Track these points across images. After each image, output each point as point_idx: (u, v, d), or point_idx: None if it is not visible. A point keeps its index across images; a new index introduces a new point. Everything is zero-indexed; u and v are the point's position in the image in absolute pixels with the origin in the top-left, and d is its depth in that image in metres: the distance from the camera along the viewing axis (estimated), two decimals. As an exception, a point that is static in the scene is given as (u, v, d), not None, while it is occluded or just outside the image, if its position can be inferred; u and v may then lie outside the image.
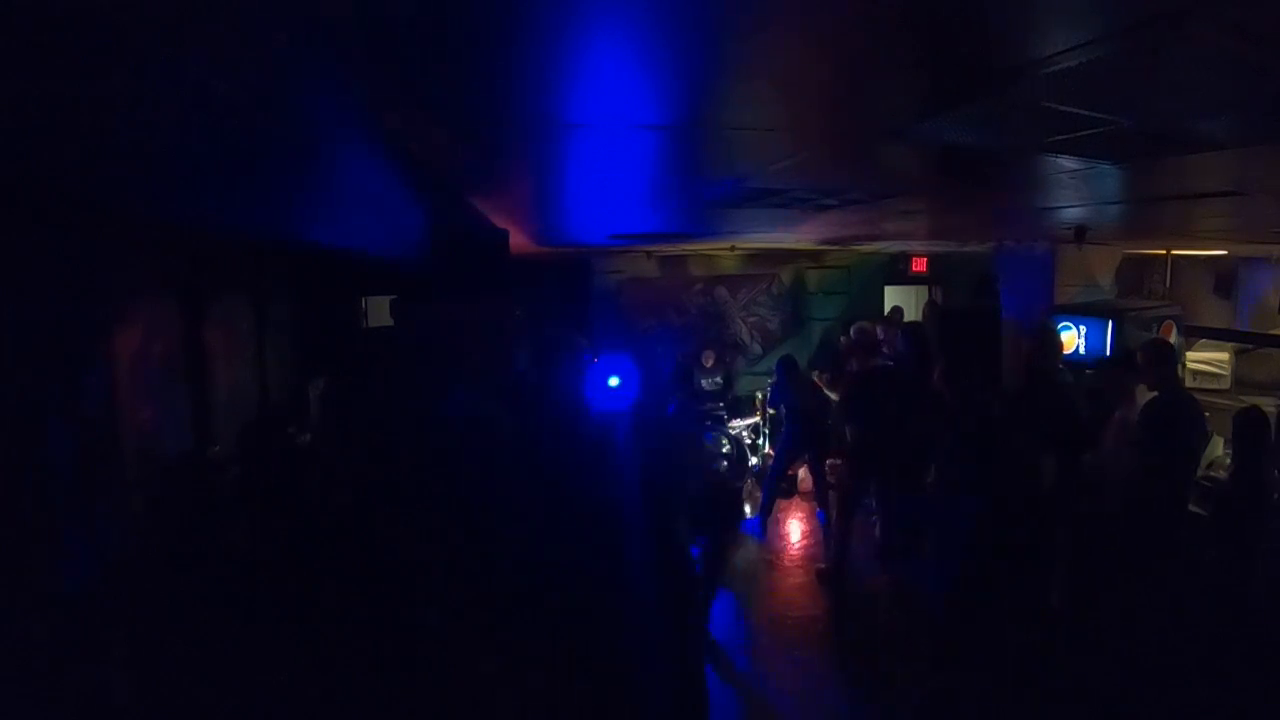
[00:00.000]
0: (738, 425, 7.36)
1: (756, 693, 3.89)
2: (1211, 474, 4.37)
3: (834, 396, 5.54)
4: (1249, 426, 3.23)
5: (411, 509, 2.57)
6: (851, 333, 6.26)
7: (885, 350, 6.05)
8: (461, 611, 2.28)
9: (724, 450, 7.11)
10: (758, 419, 7.61)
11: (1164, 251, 6.67)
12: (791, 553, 5.72)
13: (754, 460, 7.34)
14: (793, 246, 8.09)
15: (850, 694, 3.87)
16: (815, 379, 6.08)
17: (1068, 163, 2.18)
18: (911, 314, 8.86)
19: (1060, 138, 1.82)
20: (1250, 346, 6.18)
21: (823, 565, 5.22)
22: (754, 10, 1.03)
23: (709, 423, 7.21)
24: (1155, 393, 3.56)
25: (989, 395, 5.34)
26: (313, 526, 2.57)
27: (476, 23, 1.08)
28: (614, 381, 4.30)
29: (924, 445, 4.92)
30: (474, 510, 2.51)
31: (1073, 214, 3.66)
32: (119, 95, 1.15)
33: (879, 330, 6.41)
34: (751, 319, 9.64)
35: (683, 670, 2.28)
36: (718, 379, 7.79)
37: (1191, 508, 3.72)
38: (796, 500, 6.85)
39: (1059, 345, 4.42)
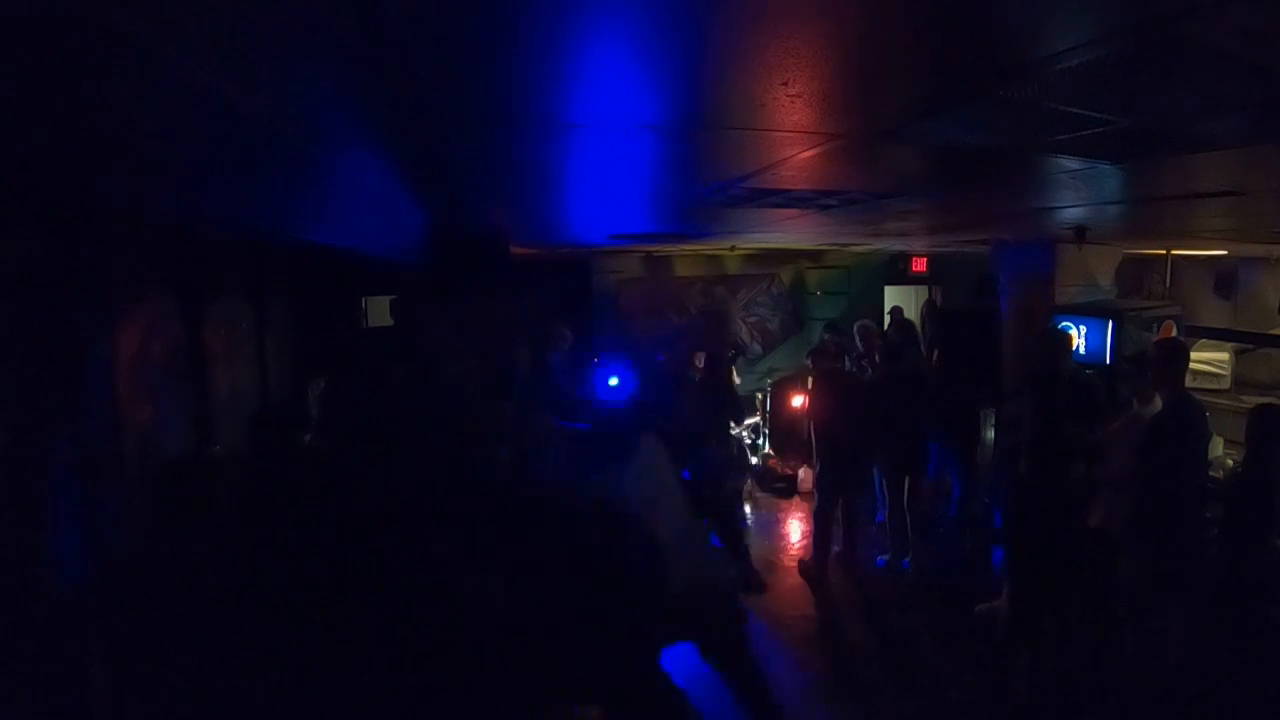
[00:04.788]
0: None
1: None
2: (1212, 474, 4.36)
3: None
4: (1266, 424, 3.17)
5: (410, 506, 2.57)
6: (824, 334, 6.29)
7: (863, 349, 6.09)
8: (462, 608, 2.28)
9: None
10: (758, 419, 7.61)
11: (1164, 251, 6.67)
12: (791, 552, 5.72)
13: (754, 460, 7.34)
14: (793, 246, 8.09)
15: (849, 694, 3.87)
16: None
17: (1068, 163, 2.18)
18: (911, 314, 8.87)
19: (1060, 138, 1.82)
20: (1250, 346, 6.19)
21: (807, 558, 5.29)
22: (755, 9, 1.03)
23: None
24: (1160, 395, 3.51)
25: (985, 396, 5.37)
26: (312, 526, 2.57)
27: (476, 22, 1.08)
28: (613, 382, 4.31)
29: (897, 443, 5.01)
30: (471, 507, 2.51)
31: (1073, 214, 3.65)
32: (120, 97, 1.15)
33: (860, 330, 6.42)
34: (751, 319, 9.64)
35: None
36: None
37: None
38: (797, 500, 6.85)
39: (1068, 344, 4.40)
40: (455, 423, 3.60)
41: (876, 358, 5.69)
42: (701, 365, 7.60)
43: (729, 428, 6.12)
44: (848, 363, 5.72)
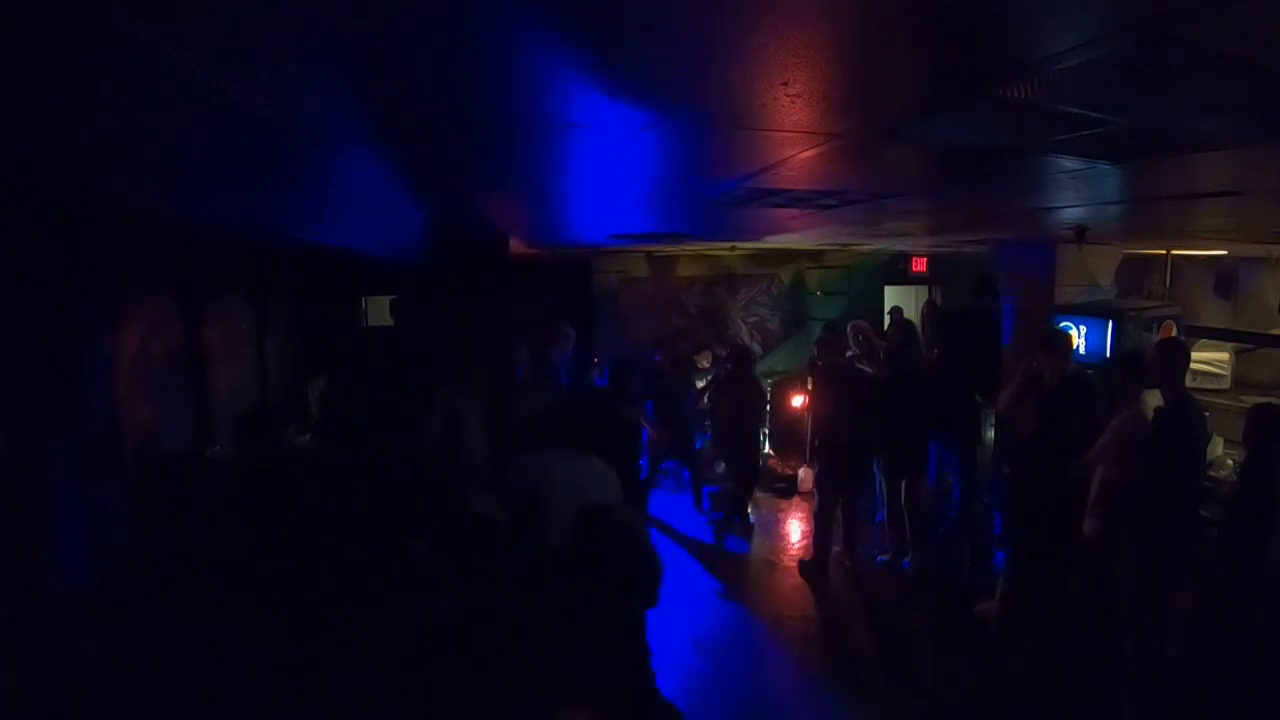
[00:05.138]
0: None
1: (751, 691, 3.89)
2: (1211, 474, 4.36)
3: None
4: (1265, 423, 3.15)
5: (407, 506, 2.56)
6: (822, 331, 6.31)
7: (858, 349, 6.09)
8: (457, 604, 2.28)
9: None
10: (757, 419, 7.60)
11: (1164, 251, 6.67)
12: (791, 552, 5.72)
13: (754, 460, 7.33)
14: (793, 246, 8.10)
15: (849, 694, 3.87)
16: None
17: (1068, 163, 2.18)
18: (911, 314, 8.87)
19: (1060, 138, 1.82)
20: (1250, 346, 6.19)
21: (807, 558, 5.30)
22: (755, 9, 1.03)
23: (709, 423, 7.20)
24: (1160, 394, 3.50)
25: (985, 396, 5.37)
26: (311, 525, 2.57)
27: (476, 23, 1.08)
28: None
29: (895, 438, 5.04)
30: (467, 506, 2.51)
31: (1073, 214, 3.65)
32: (121, 97, 1.15)
33: (854, 330, 6.43)
34: (751, 319, 9.64)
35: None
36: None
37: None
38: (796, 500, 6.85)
39: (1070, 345, 4.39)
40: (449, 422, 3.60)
41: (881, 356, 5.69)
42: (708, 364, 7.62)
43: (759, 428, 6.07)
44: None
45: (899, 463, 5.17)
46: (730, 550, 5.78)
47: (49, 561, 2.15)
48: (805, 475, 6.77)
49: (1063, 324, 5.06)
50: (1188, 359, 3.57)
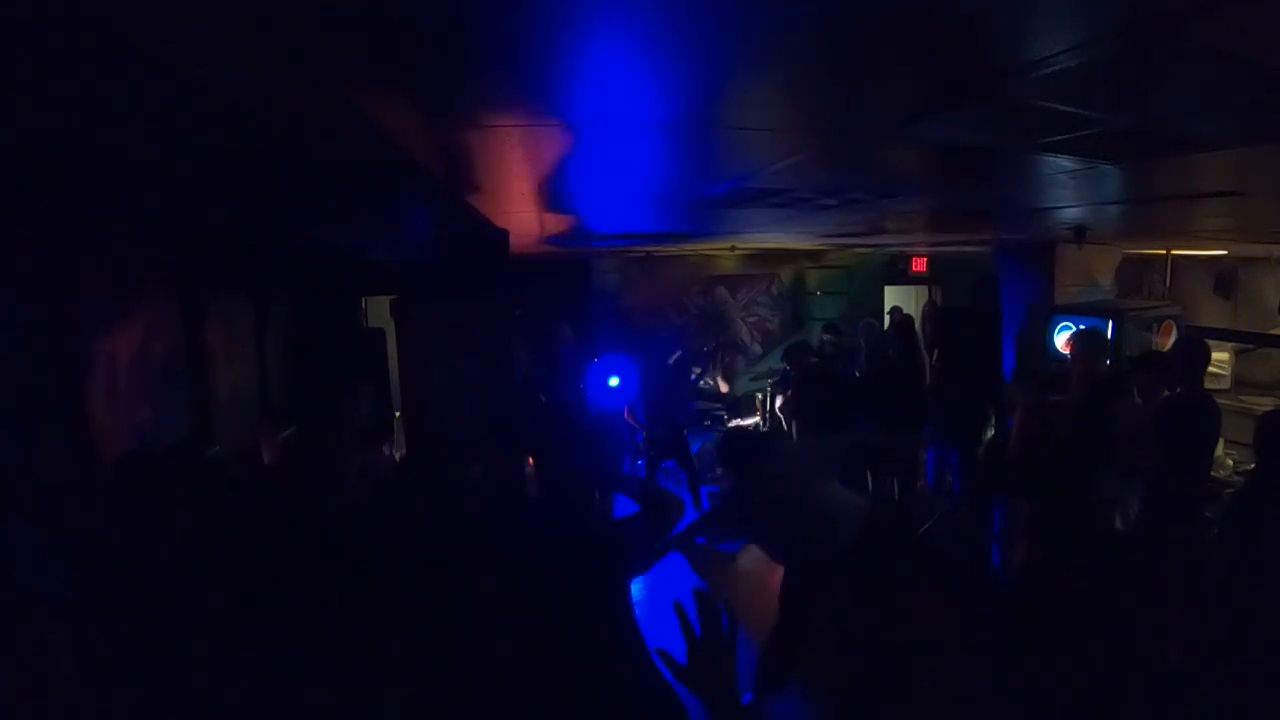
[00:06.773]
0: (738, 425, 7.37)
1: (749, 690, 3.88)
2: (1212, 474, 4.35)
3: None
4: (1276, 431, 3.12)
5: (408, 509, 2.56)
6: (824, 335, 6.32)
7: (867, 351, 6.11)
8: (457, 605, 2.28)
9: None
10: (758, 419, 7.61)
11: (1164, 251, 6.67)
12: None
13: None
14: (793, 246, 8.10)
15: (843, 693, 3.87)
16: None
17: (1067, 163, 2.18)
18: (911, 314, 8.86)
19: (1059, 138, 1.82)
20: (1250, 346, 6.19)
21: None
22: (754, 11, 1.03)
23: (708, 422, 7.21)
24: (1179, 390, 3.50)
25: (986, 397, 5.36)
26: (311, 527, 2.57)
27: (477, 21, 1.08)
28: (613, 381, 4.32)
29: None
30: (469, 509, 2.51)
31: (1072, 214, 3.65)
32: (119, 95, 1.15)
33: (863, 330, 6.43)
34: (751, 319, 9.64)
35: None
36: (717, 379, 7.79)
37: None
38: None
39: (1106, 347, 4.37)
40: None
41: (890, 352, 5.71)
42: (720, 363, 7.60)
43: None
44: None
45: (885, 462, 5.17)
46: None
47: (46, 563, 2.15)
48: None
49: (1062, 323, 5.06)
50: (1207, 358, 3.58)
